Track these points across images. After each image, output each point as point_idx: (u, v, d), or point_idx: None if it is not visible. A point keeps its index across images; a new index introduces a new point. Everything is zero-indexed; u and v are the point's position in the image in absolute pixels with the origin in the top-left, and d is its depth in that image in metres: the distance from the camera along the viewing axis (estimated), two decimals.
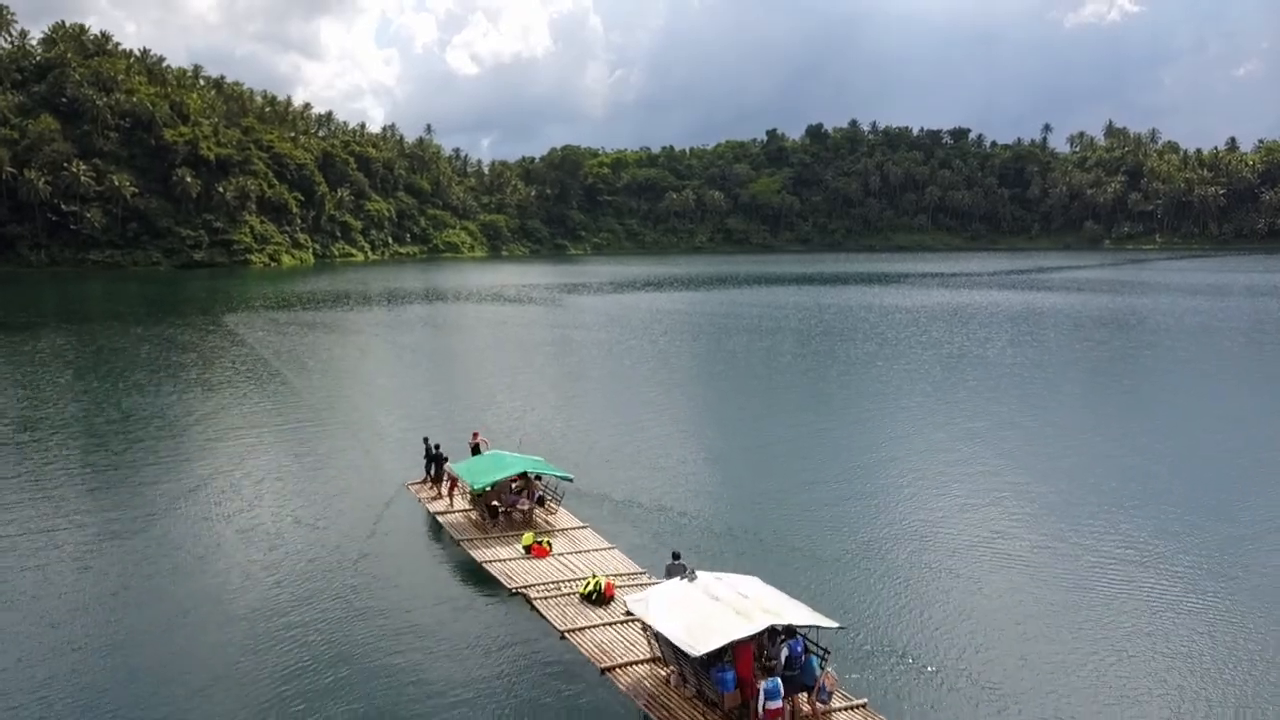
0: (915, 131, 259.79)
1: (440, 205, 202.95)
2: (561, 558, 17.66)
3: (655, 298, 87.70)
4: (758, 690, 11.64)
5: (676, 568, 14.98)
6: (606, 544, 18.46)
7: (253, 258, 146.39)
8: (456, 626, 15.29)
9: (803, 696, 11.98)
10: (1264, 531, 19.50)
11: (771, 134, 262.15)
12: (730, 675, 11.92)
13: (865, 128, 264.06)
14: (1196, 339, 53.09)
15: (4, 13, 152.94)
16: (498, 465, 19.62)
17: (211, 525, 19.99)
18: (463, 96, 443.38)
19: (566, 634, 14.46)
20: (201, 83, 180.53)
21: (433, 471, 21.94)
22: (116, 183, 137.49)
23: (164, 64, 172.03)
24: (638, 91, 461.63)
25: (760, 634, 12.13)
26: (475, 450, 22.70)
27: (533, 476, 20.32)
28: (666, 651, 12.98)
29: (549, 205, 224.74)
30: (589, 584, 15.67)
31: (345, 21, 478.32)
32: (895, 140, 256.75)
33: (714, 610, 12.20)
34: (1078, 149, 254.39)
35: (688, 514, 20.77)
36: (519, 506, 19.72)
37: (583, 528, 19.45)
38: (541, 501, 20.28)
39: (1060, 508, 21.19)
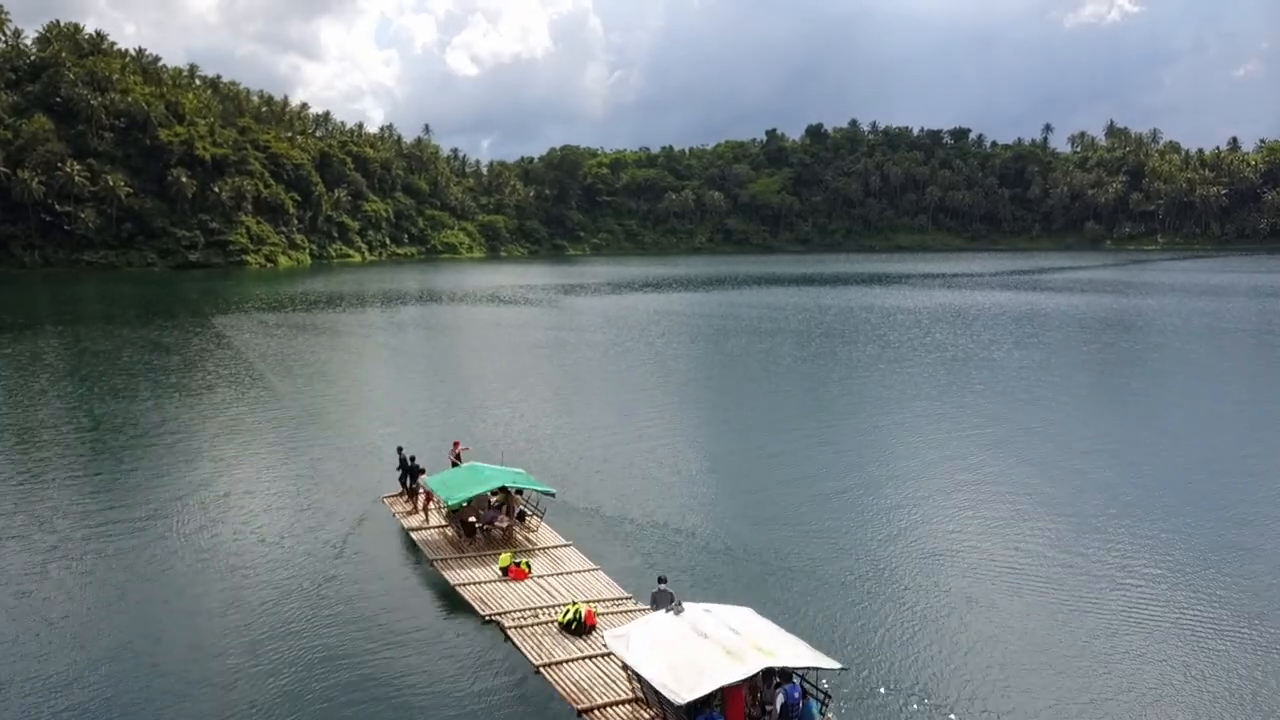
0: (915, 131, 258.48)
1: (438, 206, 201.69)
2: (541, 580, 16.40)
3: (653, 299, 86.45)
4: None
5: (663, 595, 13.73)
6: (590, 564, 17.19)
7: (249, 258, 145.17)
8: (423, 658, 14.03)
9: None
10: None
11: (771, 134, 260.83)
12: None
13: (865, 128, 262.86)
14: (1205, 341, 51.81)
15: None
16: (475, 479, 18.37)
17: (167, 544, 18.70)
18: (462, 97, 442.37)
19: (542, 669, 13.21)
20: (197, 82, 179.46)
21: (408, 484, 20.69)
22: (111, 183, 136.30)
23: (159, 64, 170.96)
24: (637, 92, 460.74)
25: (753, 677, 10.89)
26: (456, 462, 21.48)
27: (513, 491, 19.06)
28: (649, 694, 11.72)
29: (548, 206, 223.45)
30: (568, 612, 14.40)
31: (345, 22, 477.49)
32: (895, 140, 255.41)
33: (701, 649, 10.96)
34: (1078, 149, 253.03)
35: (681, 531, 19.49)
36: (497, 523, 18.47)
37: (565, 546, 18.18)
38: (522, 518, 19.03)
39: (1079, 524, 19.90)
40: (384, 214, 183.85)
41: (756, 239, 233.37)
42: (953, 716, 12.24)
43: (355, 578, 17.02)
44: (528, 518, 19.12)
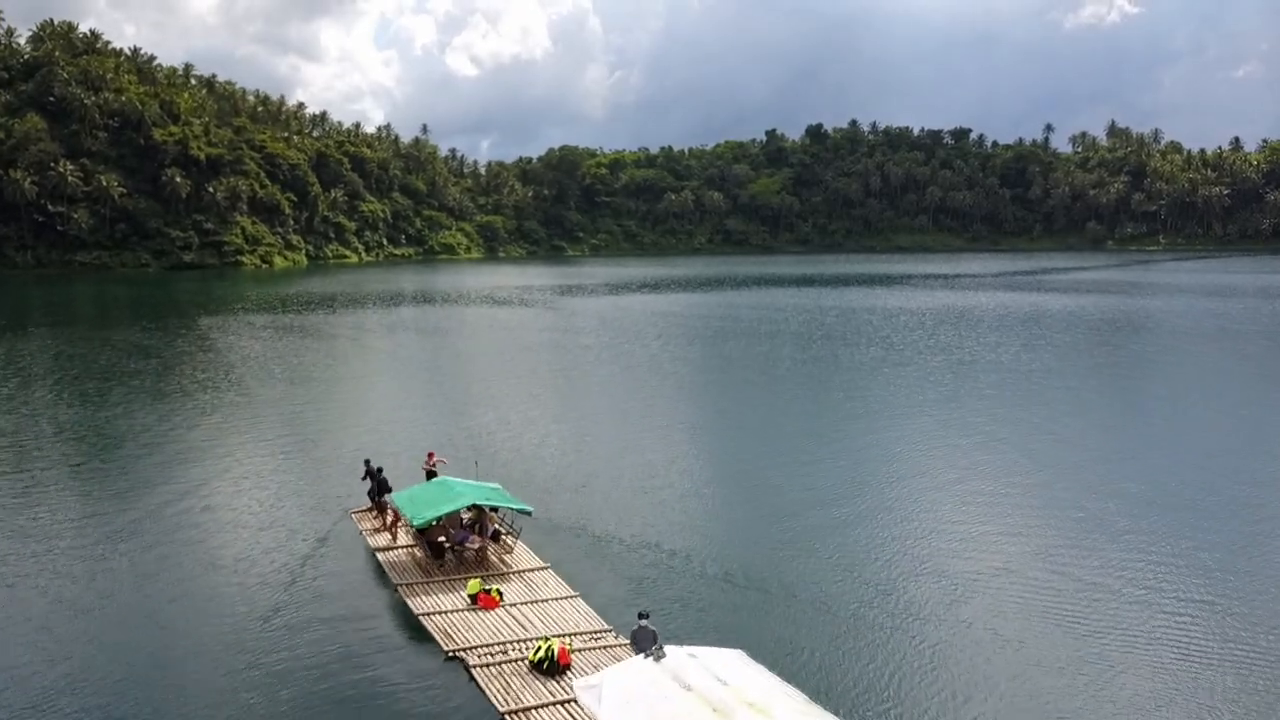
0: (916, 132, 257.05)
1: (436, 206, 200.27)
2: (513, 610, 14.90)
3: (651, 300, 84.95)
4: None
5: (644, 633, 12.24)
6: (569, 591, 15.67)
7: (244, 259, 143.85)
8: (378, 700, 12.50)
9: None
10: None
11: (771, 134, 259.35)
12: None
13: (865, 128, 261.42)
14: (1219, 342, 50.29)
15: None
16: (445, 496, 16.87)
17: (107, 565, 17.18)
18: (462, 98, 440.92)
19: (508, 715, 11.72)
20: (193, 82, 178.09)
21: (377, 498, 19.20)
22: (104, 183, 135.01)
23: (154, 63, 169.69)
24: (637, 93, 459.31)
25: None
26: (431, 474, 20.00)
27: (487, 509, 17.57)
28: None
29: (546, 206, 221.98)
30: (540, 649, 12.90)
31: (344, 23, 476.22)
32: (896, 140, 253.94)
33: (684, 706, 9.46)
34: (1080, 149, 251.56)
35: (673, 553, 17.92)
36: (469, 544, 16.97)
37: (543, 569, 16.67)
38: (496, 537, 17.53)
39: (1110, 541, 18.38)
40: (381, 214, 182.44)
41: (756, 239, 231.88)
42: None
43: (309, 607, 15.44)
44: (503, 537, 17.62)
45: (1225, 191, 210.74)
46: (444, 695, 12.66)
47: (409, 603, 15.24)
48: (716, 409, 34.20)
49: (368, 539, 18.42)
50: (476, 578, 15.74)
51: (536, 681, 12.51)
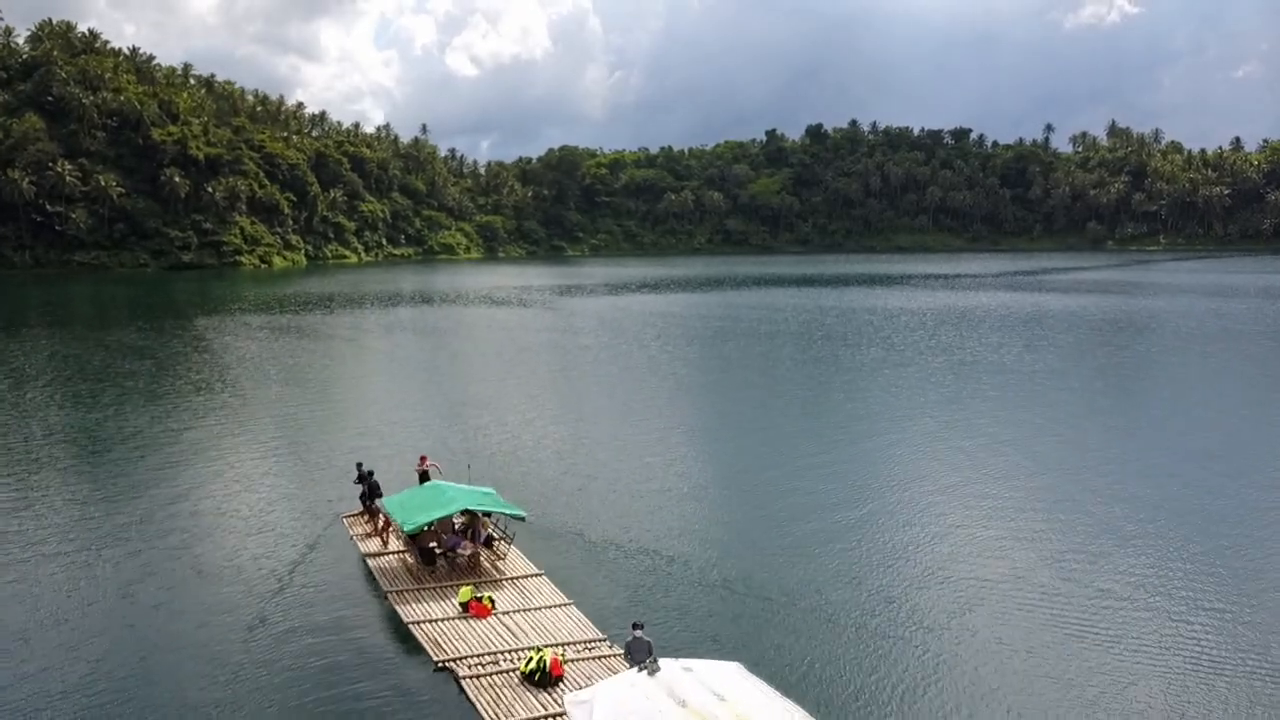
0: (916, 132, 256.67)
1: (436, 206, 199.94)
2: (505, 618, 14.50)
3: (651, 300, 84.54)
4: None
5: (639, 645, 11.85)
6: (563, 599, 15.26)
7: (243, 259, 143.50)
8: (363, 717, 12.10)
9: None
10: None
11: (771, 134, 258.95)
12: None
13: (865, 128, 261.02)
14: (1224, 343, 49.88)
15: None
16: (436, 500, 16.46)
17: (91, 572, 16.78)
18: (462, 98, 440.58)
19: None
20: (192, 82, 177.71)
21: (369, 502, 18.80)
22: (103, 183, 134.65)
23: (153, 63, 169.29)
24: (637, 93, 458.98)
25: None
26: (424, 477, 19.59)
27: (479, 514, 17.17)
28: None
29: (546, 206, 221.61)
30: (532, 660, 12.51)
31: (344, 23, 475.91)
32: (896, 140, 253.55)
33: None
34: (1080, 149, 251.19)
35: (671, 559, 17.52)
36: (461, 550, 16.57)
37: (537, 576, 16.26)
38: (489, 543, 17.12)
39: (1114, 547, 17.98)
40: (380, 214, 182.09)
41: (756, 239, 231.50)
42: None
43: (297, 615, 15.05)
44: (496, 543, 17.21)
45: (1226, 191, 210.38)
46: (432, 708, 12.26)
47: (399, 610, 14.83)
48: (716, 411, 33.78)
49: (358, 544, 18.00)
50: (468, 585, 15.34)
51: (528, 693, 12.11)
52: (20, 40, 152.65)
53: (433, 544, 16.63)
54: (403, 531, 16.31)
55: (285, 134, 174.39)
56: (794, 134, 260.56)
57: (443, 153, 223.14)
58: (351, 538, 18.45)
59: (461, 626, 14.25)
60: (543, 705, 11.85)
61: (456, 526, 17.02)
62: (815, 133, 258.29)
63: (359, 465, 19.39)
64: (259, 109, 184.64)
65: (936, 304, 76.11)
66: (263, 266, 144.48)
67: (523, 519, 17.13)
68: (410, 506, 16.48)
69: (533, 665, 12.43)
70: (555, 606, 14.96)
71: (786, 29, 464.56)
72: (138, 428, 29.09)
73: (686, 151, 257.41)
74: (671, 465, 24.70)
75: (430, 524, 16.15)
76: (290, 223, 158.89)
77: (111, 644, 14.06)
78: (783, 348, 49.70)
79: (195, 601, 15.57)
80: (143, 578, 16.59)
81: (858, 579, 16.51)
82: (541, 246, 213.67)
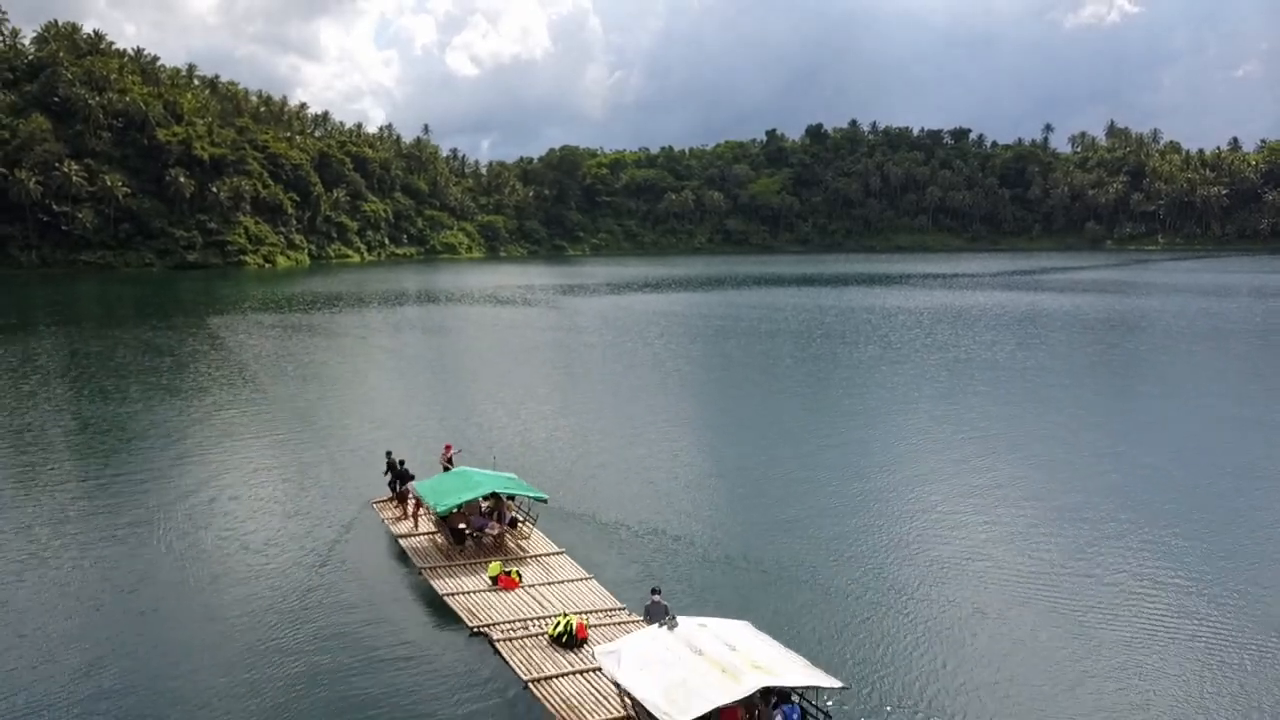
0: (915, 132, 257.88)
1: (438, 206, 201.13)
2: (532, 590, 15.87)
3: (652, 299, 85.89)
4: None
5: (657, 608, 13.22)
6: (583, 574, 16.66)
7: (247, 259, 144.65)
8: (408, 674, 13.48)
9: None
10: None
11: (771, 134, 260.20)
12: None
13: (865, 128, 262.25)
14: (1211, 342, 51.27)
15: None
16: (465, 485, 17.84)
17: (145, 552, 18.17)
18: (462, 98, 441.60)
19: (530, 684, 12.68)
20: (196, 82, 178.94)
21: (398, 488, 20.17)
22: (109, 183, 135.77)
23: (158, 64, 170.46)
24: (637, 93, 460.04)
25: (750, 696, 10.35)
26: (448, 465, 20.96)
27: (504, 497, 18.54)
28: (641, 713, 11.19)
29: (547, 206, 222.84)
30: (559, 624, 13.87)
31: (344, 23, 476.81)
32: (895, 140, 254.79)
33: (696, 668, 10.43)
34: (1079, 149, 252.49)
35: (678, 538, 18.94)
36: (488, 530, 17.93)
37: (558, 554, 17.65)
38: (514, 524, 18.49)
39: (1089, 530, 19.37)
40: (383, 214, 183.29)
41: (756, 239, 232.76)
42: None
43: (340, 587, 16.48)
44: (520, 524, 18.58)
45: (1224, 191, 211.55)
46: (471, 665, 13.63)
47: (433, 584, 16.20)
48: (718, 405, 35.16)
49: (390, 526, 19.38)
50: (497, 561, 16.70)
51: (557, 653, 13.48)
52: (26, 41, 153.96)
53: (462, 525, 17.98)
54: (434, 513, 17.68)
55: (289, 134, 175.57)
56: (794, 134, 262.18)
57: (444, 153, 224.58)
58: (382, 521, 19.84)
59: (492, 598, 15.61)
60: (570, 663, 13.21)
61: (483, 509, 18.36)
62: (815, 133, 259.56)
63: (389, 454, 20.74)
64: (263, 109, 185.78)
65: (934, 303, 77.48)
66: (266, 266, 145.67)
67: (545, 501, 18.51)
68: (441, 490, 17.84)
69: (560, 629, 13.79)
70: (576, 580, 16.34)
71: (786, 29, 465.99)
72: (167, 420, 30.44)
73: (687, 151, 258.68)
74: (677, 454, 26.12)
75: (460, 506, 17.52)
76: (294, 222, 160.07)
77: (174, 612, 15.41)
78: (783, 346, 51.07)
79: (247, 574, 16.96)
80: (197, 555, 17.97)
81: (847, 554, 17.96)
82: (543, 246, 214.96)
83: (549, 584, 16.14)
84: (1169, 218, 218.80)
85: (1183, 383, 39.49)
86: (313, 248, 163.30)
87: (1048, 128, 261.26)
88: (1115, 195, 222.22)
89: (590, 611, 14.89)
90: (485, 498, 18.28)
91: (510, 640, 13.94)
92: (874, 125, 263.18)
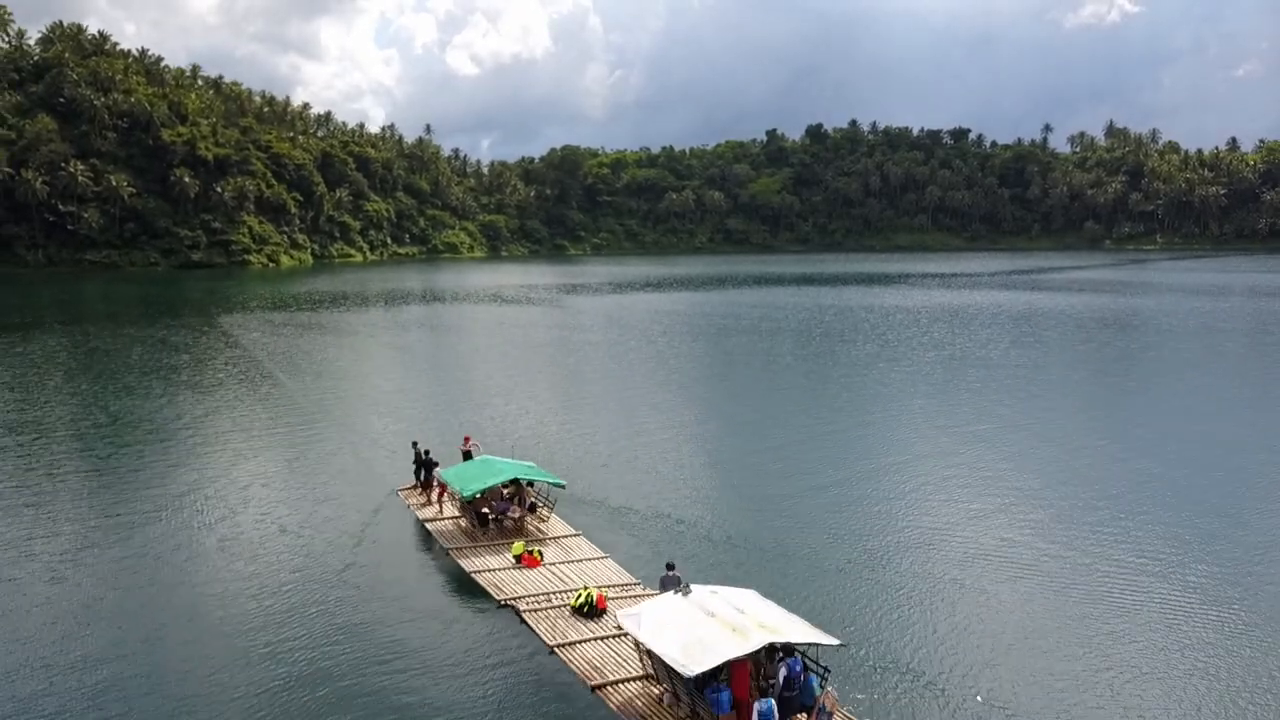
0: (915, 132, 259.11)
1: (439, 205, 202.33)
2: (553, 568, 17.12)
3: (654, 298, 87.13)
4: (753, 711, 11.10)
5: (671, 579, 14.46)
6: (599, 553, 17.92)
7: (251, 258, 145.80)
8: (443, 640, 14.75)
9: (802, 718, 11.43)
10: (1276, 537, 18.95)
11: (771, 134, 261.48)
12: (726, 696, 11.39)
13: (865, 128, 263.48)
14: (1199, 340, 52.54)
15: (2, 12, 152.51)
16: (488, 471, 19.09)
17: (193, 534, 19.45)
18: (462, 97, 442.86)
19: (556, 649, 13.93)
20: (200, 83, 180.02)
21: (422, 477, 21.41)
22: (114, 183, 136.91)
23: (162, 64, 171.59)
24: (637, 92, 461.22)
25: (757, 652, 11.60)
26: (467, 456, 22.19)
27: (524, 483, 19.79)
28: (659, 670, 12.44)
29: (548, 206, 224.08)
30: (580, 596, 15.13)
31: (345, 22, 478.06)
32: (895, 140, 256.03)
33: (709, 627, 11.66)
34: (1078, 149, 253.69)
35: (685, 521, 20.23)
36: (510, 514, 19.19)
37: (575, 535, 18.91)
38: (533, 509, 19.73)
39: (1068, 514, 20.65)
40: (385, 214, 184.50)
41: (756, 239, 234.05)
42: (943, 690, 12.98)
43: (375, 564, 17.77)
44: (539, 509, 19.83)
45: (1222, 191, 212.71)
46: (500, 633, 14.89)
47: (461, 563, 17.46)
48: (720, 399, 36.42)
49: (416, 512, 20.64)
50: (520, 541, 17.96)
51: (579, 622, 14.73)
52: (32, 42, 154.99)
53: (485, 509, 19.23)
54: (460, 497, 18.93)
55: (292, 134, 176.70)
56: (794, 133, 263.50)
57: (446, 153, 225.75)
58: (408, 506, 21.10)
59: (516, 574, 16.86)
60: (592, 631, 14.46)
61: (505, 494, 19.60)
62: (815, 133, 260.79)
63: (415, 445, 21.99)
64: (266, 110, 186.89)
65: (931, 302, 78.72)
66: (270, 265, 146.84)
67: (563, 487, 19.78)
68: (466, 476, 19.09)
69: (581, 600, 15.05)
70: (593, 559, 17.61)
71: (787, 28, 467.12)
72: (194, 414, 31.70)
73: (688, 151, 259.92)
74: (682, 445, 27.45)
75: (484, 491, 18.77)
76: (297, 222, 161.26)
77: (224, 585, 16.66)
78: (782, 343, 52.32)
79: (286, 553, 18.24)
80: (236, 536, 19.24)
81: (843, 533, 19.31)
82: (544, 245, 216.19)
83: (568, 562, 17.39)
84: (1167, 217, 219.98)
85: (1165, 377, 40.74)
86: (316, 247, 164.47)
87: (1047, 128, 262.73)
88: (1114, 195, 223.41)
89: (608, 586, 16.13)
90: (507, 484, 19.52)
91: (536, 611, 15.18)
92: (874, 125, 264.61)
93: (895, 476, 23.86)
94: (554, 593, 15.93)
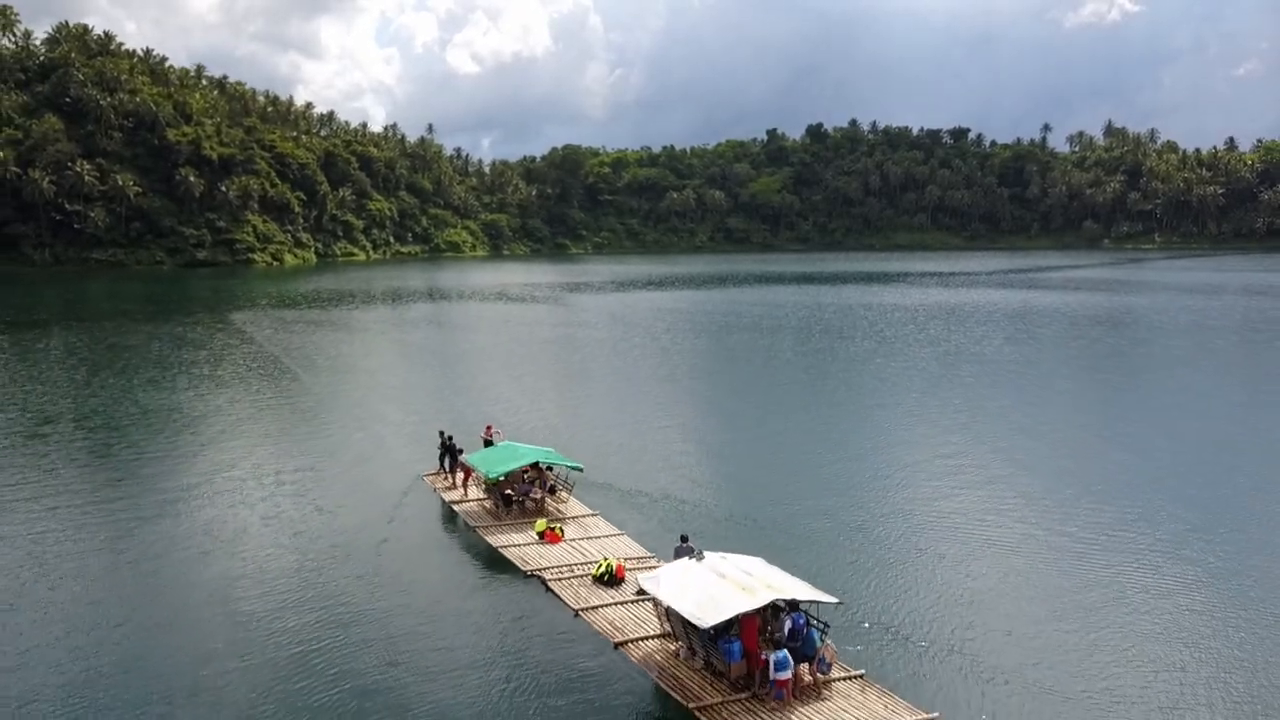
0: (915, 131, 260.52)
1: (442, 205, 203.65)
2: (573, 543, 18.53)
3: (657, 296, 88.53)
4: (766, 661, 12.49)
5: (685, 549, 15.84)
6: (615, 530, 19.32)
7: (255, 257, 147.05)
8: (476, 605, 16.16)
9: (804, 666, 12.82)
10: (1243, 517, 20.35)
11: (772, 133, 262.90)
12: (736, 646, 12.77)
13: (865, 127, 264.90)
14: (1188, 336, 53.97)
15: (8, 13, 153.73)
16: (511, 456, 20.49)
17: (237, 511, 20.87)
18: (463, 96, 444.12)
19: (581, 612, 15.31)
20: (204, 83, 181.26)
21: (447, 463, 22.80)
22: (120, 182, 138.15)
23: (167, 64, 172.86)
24: (638, 91, 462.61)
25: (764, 608, 13.00)
26: (488, 443, 23.56)
27: (544, 467, 21.19)
28: (676, 627, 13.84)
29: (550, 205, 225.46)
30: (601, 566, 16.53)
31: (345, 21, 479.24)
32: (895, 140, 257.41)
33: (721, 587, 13.05)
34: (1077, 149, 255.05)
35: (691, 502, 21.65)
36: (531, 495, 20.58)
37: (592, 515, 20.31)
38: (553, 490, 21.14)
39: (1048, 495, 22.07)
40: (388, 213, 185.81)
41: (757, 238, 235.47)
42: (923, 643, 14.47)
43: (408, 540, 19.22)
44: (558, 491, 21.24)
45: (1220, 191, 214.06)
46: (528, 600, 16.30)
47: (488, 539, 18.87)
48: (724, 392, 37.86)
49: (441, 495, 22.05)
50: (542, 519, 19.37)
51: (600, 589, 16.14)
52: (38, 42, 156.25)
53: (508, 491, 20.63)
54: (486, 479, 20.34)
55: (295, 134, 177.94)
56: (794, 132, 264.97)
57: (448, 152, 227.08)
58: (434, 490, 22.51)
59: (540, 549, 18.27)
60: (612, 596, 15.86)
61: (527, 477, 21.01)
62: (815, 132, 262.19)
63: (441, 433, 23.39)
64: (270, 109, 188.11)
65: (929, 300, 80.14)
66: (275, 264, 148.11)
67: (581, 470, 21.19)
68: (491, 460, 20.51)
69: (602, 570, 16.45)
70: (610, 536, 19.02)
71: (787, 28, 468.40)
72: (220, 406, 33.11)
73: (688, 150, 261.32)
74: (689, 434, 28.99)
75: (508, 474, 20.18)
76: (301, 221, 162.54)
77: (269, 559, 18.06)
78: (783, 340, 53.75)
79: (326, 530, 19.66)
80: (276, 514, 20.68)
81: (839, 515, 20.80)
82: (545, 244, 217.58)
83: (587, 539, 18.80)
84: (1166, 217, 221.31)
85: (1151, 372, 42.15)
86: (319, 246, 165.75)
87: (1046, 127, 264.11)
88: (1112, 194, 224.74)
89: (625, 559, 17.52)
90: (528, 467, 20.91)
91: (560, 580, 16.58)
92: (874, 125, 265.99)
93: (888, 462, 25.35)
94: (576, 564, 17.33)
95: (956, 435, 28.42)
